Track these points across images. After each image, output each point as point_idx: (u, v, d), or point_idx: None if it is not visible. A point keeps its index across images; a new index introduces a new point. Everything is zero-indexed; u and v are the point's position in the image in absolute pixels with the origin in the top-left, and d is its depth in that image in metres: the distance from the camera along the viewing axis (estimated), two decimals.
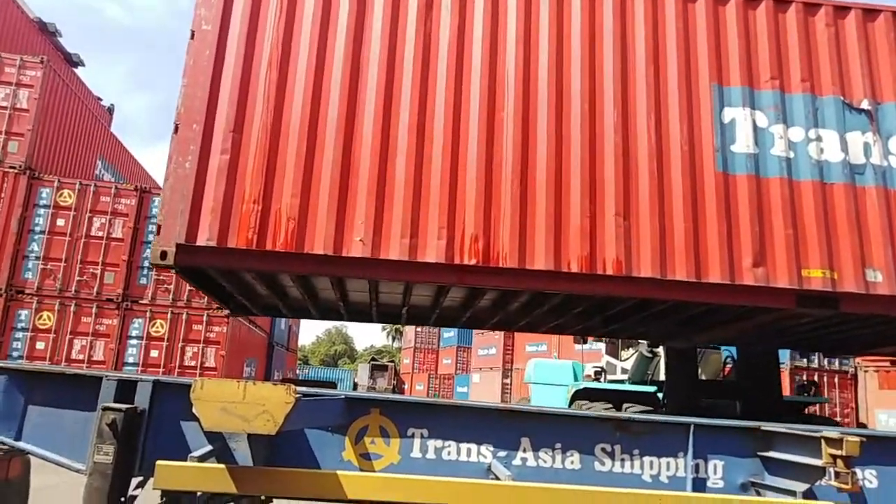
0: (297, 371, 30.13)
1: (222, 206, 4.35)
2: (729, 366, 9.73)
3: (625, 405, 9.01)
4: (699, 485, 3.48)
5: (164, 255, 4.21)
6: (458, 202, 4.62)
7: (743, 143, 5.00)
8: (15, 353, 13.97)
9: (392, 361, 39.11)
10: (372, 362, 36.41)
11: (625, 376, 11.14)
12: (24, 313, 14.31)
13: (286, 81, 4.58)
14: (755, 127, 5.02)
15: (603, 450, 3.49)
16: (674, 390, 8.48)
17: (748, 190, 4.86)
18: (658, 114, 4.98)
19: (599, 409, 8.35)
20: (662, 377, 9.43)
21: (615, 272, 4.66)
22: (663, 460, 3.49)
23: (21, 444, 3.38)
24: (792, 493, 3.30)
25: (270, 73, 4.56)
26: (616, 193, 4.79)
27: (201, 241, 4.28)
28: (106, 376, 3.35)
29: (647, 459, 3.48)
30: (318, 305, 6.04)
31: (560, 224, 4.70)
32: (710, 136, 4.98)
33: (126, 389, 3.32)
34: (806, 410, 9.67)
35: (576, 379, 12.58)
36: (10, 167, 14.43)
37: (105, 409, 3.13)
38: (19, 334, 14.21)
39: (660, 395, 9.37)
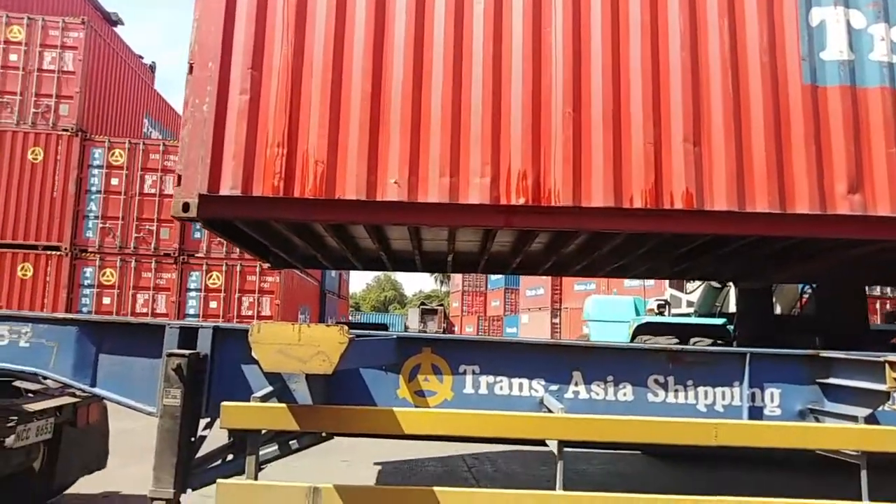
0: (350, 317, 30.52)
1: (245, 152, 3.92)
2: (806, 297, 8.90)
3: (692, 339, 8.35)
4: (756, 413, 3.40)
5: (185, 206, 3.85)
6: (503, 134, 4.07)
7: (835, 49, 4.22)
8: (84, 309, 14.46)
9: (441, 305, 39.26)
10: (421, 306, 36.68)
11: (691, 309, 10.43)
12: (88, 271, 14.69)
13: (306, 6, 4.04)
14: (850, 29, 4.23)
15: (656, 381, 3.43)
16: (746, 324, 7.83)
17: (842, 104, 4.13)
18: (732, 20, 4.25)
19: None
20: (732, 309, 8.76)
21: (685, 206, 4.05)
22: (718, 390, 3.44)
23: (96, 391, 3.52)
24: (853, 419, 3.19)
25: (289, 1, 4.03)
26: (684, 116, 4.14)
27: (224, 190, 3.88)
28: (169, 324, 3.49)
29: (701, 390, 3.43)
30: (359, 255, 5.64)
31: (620, 154, 4.10)
32: (795, 42, 4.24)
33: (188, 336, 3.44)
34: None
35: (637, 314, 11.95)
36: (63, 129, 14.55)
37: (170, 354, 3.26)
38: (87, 291, 14.67)
39: (730, 327, 8.66)
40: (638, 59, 4.16)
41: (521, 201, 4.01)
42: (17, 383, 4.32)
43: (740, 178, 4.05)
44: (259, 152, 3.94)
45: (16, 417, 3.78)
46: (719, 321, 9.07)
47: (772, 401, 3.47)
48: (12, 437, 3.72)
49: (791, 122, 4.14)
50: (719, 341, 8.12)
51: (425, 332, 32.50)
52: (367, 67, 4.04)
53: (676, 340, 8.35)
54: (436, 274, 62.37)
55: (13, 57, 14.77)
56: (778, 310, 8.86)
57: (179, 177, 3.88)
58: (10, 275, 14.07)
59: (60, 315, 3.65)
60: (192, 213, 3.83)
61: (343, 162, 3.98)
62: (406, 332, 32.14)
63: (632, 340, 9.25)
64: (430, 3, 4.12)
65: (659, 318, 10.30)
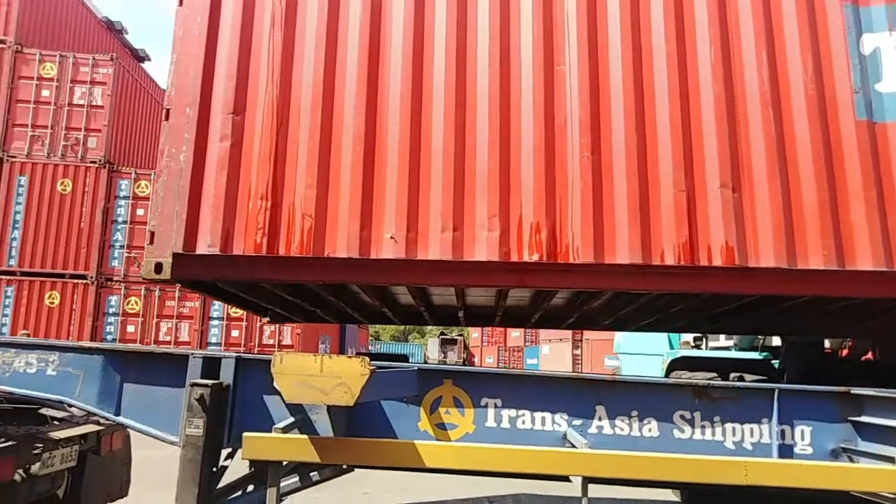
0: (369, 346, 29.94)
1: (224, 205, 3.44)
2: None
3: (732, 375, 7.55)
4: (786, 451, 3.27)
5: (158, 267, 3.38)
6: (513, 181, 3.53)
7: (893, 80, 3.58)
8: (109, 337, 14.34)
9: (461, 335, 38.38)
10: (441, 336, 35.85)
11: (730, 342, 9.56)
12: (113, 299, 14.56)
13: (293, 43, 3.58)
14: None
15: (682, 417, 3.31)
16: (792, 361, 7.04)
17: None
18: (771, 49, 3.67)
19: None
20: (776, 342, 7.95)
21: (725, 263, 3.45)
22: (746, 427, 3.30)
23: (121, 419, 3.51)
24: (890, 460, 3.04)
25: (274, 35, 3.57)
26: (720, 158, 3.56)
27: (202, 248, 3.41)
28: (192, 354, 3.45)
29: (728, 426, 3.30)
30: (362, 311, 5.11)
31: (647, 203, 3.53)
32: (846, 73, 3.64)
33: (211, 366, 3.41)
34: None
35: (671, 347, 11.07)
36: (91, 162, 14.52)
37: (193, 384, 3.26)
38: (111, 319, 14.57)
39: (774, 362, 7.86)
40: (665, 96, 3.60)
41: (535, 258, 3.45)
42: (43, 410, 4.39)
43: (789, 230, 3.44)
44: (241, 206, 3.46)
45: (41, 445, 3.78)
46: (762, 356, 8.25)
47: (802, 439, 3.30)
48: (38, 464, 3.72)
49: (845, 164, 3.53)
50: (763, 377, 7.31)
51: (445, 362, 31.74)
52: (359, 106, 3.56)
53: (714, 376, 7.58)
54: None
55: (45, 92, 14.84)
56: (827, 344, 8.03)
57: (152, 234, 3.41)
58: (39, 302, 14.00)
59: (87, 344, 3.63)
60: (166, 273, 3.36)
61: (334, 215, 3.47)
62: (426, 362, 31.60)
63: (666, 375, 8.48)
64: (428, 34, 3.63)
65: (696, 353, 9.44)
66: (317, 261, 3.46)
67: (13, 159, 14.23)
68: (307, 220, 3.46)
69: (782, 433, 3.28)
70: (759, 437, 3.29)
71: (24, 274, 13.88)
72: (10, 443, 3.60)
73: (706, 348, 9.88)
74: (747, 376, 6.92)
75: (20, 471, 3.64)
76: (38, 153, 14.47)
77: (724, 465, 2.95)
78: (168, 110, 3.49)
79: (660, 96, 3.59)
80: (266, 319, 5.70)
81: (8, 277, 13.85)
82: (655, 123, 3.58)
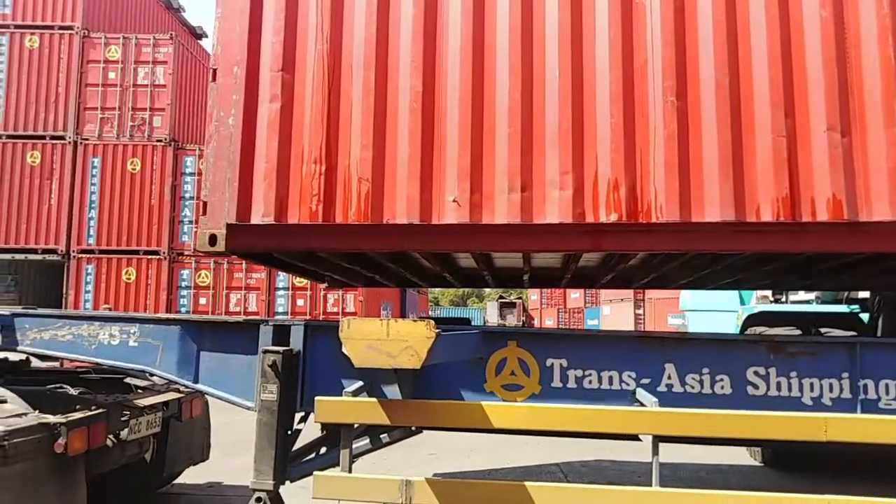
0: (429, 311, 29.85)
1: (277, 171, 3.16)
2: None
3: (816, 330, 6.84)
4: (869, 406, 3.06)
5: (212, 239, 3.14)
6: (587, 133, 3.10)
7: None
8: (182, 309, 14.71)
9: (520, 298, 37.67)
10: (500, 300, 35.27)
11: (811, 295, 8.64)
12: (185, 273, 14.86)
13: None
14: None
15: (756, 373, 3.13)
16: (890, 313, 6.30)
17: None
18: None
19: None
20: (863, 294, 7.19)
21: (832, 217, 2.96)
22: (825, 382, 3.11)
23: (199, 387, 3.56)
24: None
25: None
26: (826, 96, 3.03)
27: (256, 218, 3.14)
28: (264, 322, 3.49)
29: (806, 381, 3.12)
30: (422, 274, 4.80)
31: (741, 151, 3.05)
32: None
33: (282, 333, 3.42)
34: None
35: (742, 303, 10.08)
36: (158, 140, 14.69)
37: (265, 351, 3.27)
38: (184, 292, 14.88)
39: (863, 315, 7.09)
40: (762, 24, 3.09)
41: (613, 218, 3.04)
42: (128, 380, 4.57)
43: None
44: (294, 171, 3.18)
45: (128, 412, 3.92)
46: (849, 309, 7.46)
47: (887, 393, 3.10)
48: (126, 430, 3.88)
49: None
50: (852, 332, 6.55)
51: (504, 324, 31.31)
52: (416, 60, 3.17)
53: (797, 332, 6.91)
54: None
55: (111, 75, 15.04)
56: None
57: (205, 203, 3.16)
58: (117, 278, 14.40)
59: (164, 316, 3.77)
60: (220, 245, 3.13)
61: (392, 178, 3.14)
62: (488, 325, 31.25)
63: (742, 332, 7.78)
64: None
65: (774, 307, 8.54)
66: (375, 228, 3.15)
67: (86, 142, 14.54)
68: (364, 184, 3.14)
69: (865, 388, 3.10)
70: (839, 392, 3.11)
71: (101, 252, 14.26)
72: (100, 410, 3.72)
73: (786, 301, 8.95)
74: (834, 331, 6.25)
75: (111, 436, 3.79)
76: (108, 134, 14.74)
77: (803, 421, 2.78)
78: (215, 70, 3.22)
79: (756, 25, 3.07)
80: (325, 286, 5.48)
81: (88, 256, 14.25)
82: (750, 58, 3.07)
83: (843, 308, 7.53)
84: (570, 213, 3.06)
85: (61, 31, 14.61)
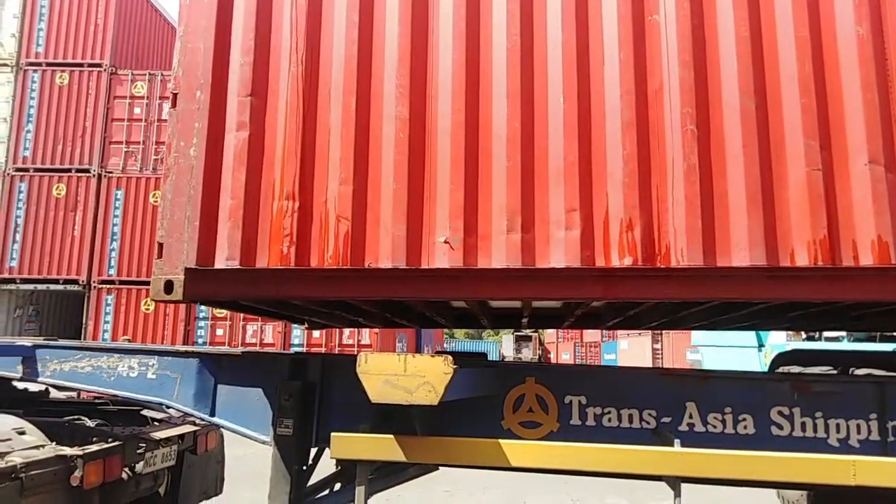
0: (444, 345, 28.59)
1: (244, 208, 2.51)
2: None
3: (853, 370, 6.01)
4: None
5: (168, 286, 2.48)
6: (595, 166, 2.46)
7: None
8: (199, 340, 14.10)
9: (536, 331, 36.20)
10: (516, 333, 33.83)
11: (843, 332, 7.65)
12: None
13: (321, 5, 2.58)
14: None
15: (780, 413, 2.82)
16: None
17: None
18: None
19: None
20: None
21: (878, 262, 2.30)
22: (853, 423, 2.76)
23: (215, 420, 3.32)
24: None
25: None
26: (867, 125, 2.40)
27: (219, 262, 2.49)
28: (281, 355, 3.36)
29: (832, 422, 2.78)
30: (410, 316, 4.11)
31: (771, 187, 2.42)
32: None
33: (298, 366, 3.20)
34: None
35: (760, 339, 9.24)
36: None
37: (282, 384, 3.08)
38: (201, 323, 14.28)
39: None
40: (790, 45, 2.47)
41: (627, 262, 2.38)
42: (144, 412, 4.33)
43: None
44: (263, 208, 2.54)
45: (144, 445, 3.70)
46: (889, 347, 6.69)
47: None
48: (142, 463, 3.65)
49: None
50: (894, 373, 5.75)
51: (520, 358, 29.91)
52: (402, 84, 2.55)
53: (833, 372, 6.09)
54: None
55: (137, 110, 14.57)
56: None
57: (160, 245, 2.49)
58: (136, 309, 13.82)
59: (183, 348, 3.46)
60: (177, 294, 2.44)
61: (374, 217, 2.50)
62: (503, 360, 30.10)
63: (771, 370, 6.91)
64: None
65: (808, 345, 7.62)
66: (356, 273, 2.50)
67: (110, 175, 14.01)
68: (342, 223, 2.48)
69: (893, 430, 2.75)
70: (867, 433, 2.77)
71: (122, 283, 13.69)
72: (117, 443, 3.51)
73: (820, 338, 7.95)
74: (875, 371, 5.46)
75: (126, 469, 3.56)
76: (132, 168, 14.27)
77: (830, 464, 2.47)
78: (175, 95, 2.57)
79: (784, 45, 2.45)
80: (304, 328, 4.77)
81: (108, 286, 13.66)
82: (779, 82, 2.45)
83: (883, 347, 6.73)
84: (578, 257, 2.40)
85: (90, 69, 14.22)
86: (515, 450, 2.60)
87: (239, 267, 2.49)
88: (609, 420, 2.91)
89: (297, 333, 13.95)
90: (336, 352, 13.52)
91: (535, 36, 2.53)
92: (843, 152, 2.42)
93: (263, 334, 13.96)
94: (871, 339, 7.03)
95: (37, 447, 3.24)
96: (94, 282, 13.50)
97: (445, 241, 2.45)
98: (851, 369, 5.81)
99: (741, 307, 3.18)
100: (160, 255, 2.51)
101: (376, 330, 13.78)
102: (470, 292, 2.52)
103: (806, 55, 2.46)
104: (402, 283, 2.53)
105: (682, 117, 2.45)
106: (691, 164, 2.42)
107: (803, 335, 8.11)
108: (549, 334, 37.42)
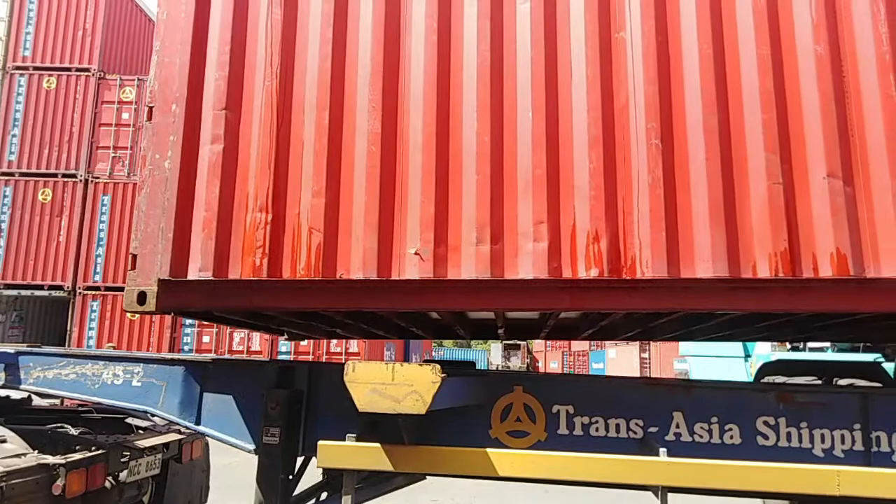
0: (433, 353, 28.26)
1: (218, 220, 2.55)
2: None
3: (838, 380, 6.06)
4: (882, 460, 2.74)
5: (141, 297, 2.49)
6: (563, 179, 2.52)
7: None
8: (186, 347, 13.89)
9: (523, 340, 35.92)
10: (504, 342, 33.72)
11: (828, 343, 7.87)
12: None
13: (296, 24, 2.61)
14: None
15: (766, 423, 2.85)
16: None
17: None
18: (892, 1, 2.49)
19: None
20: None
21: (837, 273, 2.36)
22: (837, 433, 2.81)
23: (200, 429, 3.28)
24: None
25: (273, 12, 2.60)
26: (825, 140, 2.49)
27: (192, 273, 2.52)
28: (267, 363, 3.33)
29: (817, 432, 2.83)
30: (387, 327, 4.14)
31: (733, 200, 2.49)
32: None
33: (285, 374, 3.19)
34: None
35: (746, 349, 9.40)
36: None
37: (268, 393, 3.05)
38: (188, 330, 14.12)
39: (888, 365, 6.42)
40: (752, 63, 2.55)
41: (594, 273, 2.43)
42: (129, 420, 4.28)
43: None
44: (237, 221, 2.58)
45: (128, 453, 3.66)
46: (871, 357, 6.76)
47: None
48: (125, 472, 3.61)
49: None
50: (877, 384, 5.78)
51: (508, 367, 29.80)
52: (375, 98, 2.60)
53: (817, 382, 6.14)
54: None
55: (125, 115, 14.45)
56: None
57: (133, 257, 2.52)
58: (121, 315, 13.66)
59: (169, 356, 3.42)
60: (150, 305, 2.47)
61: (346, 228, 2.54)
62: (490, 368, 29.94)
63: (756, 380, 6.98)
64: (457, 10, 2.58)
65: (792, 355, 7.70)
66: (327, 284, 2.53)
67: (97, 180, 13.89)
68: (315, 235, 2.52)
69: (878, 440, 2.78)
70: (850, 444, 2.81)
71: (107, 289, 13.52)
72: (100, 451, 3.46)
73: (804, 348, 8.06)
74: (858, 383, 5.52)
75: (110, 478, 3.52)
76: (119, 173, 14.14)
77: (815, 474, 2.50)
78: (150, 108, 2.61)
79: (746, 63, 2.53)
80: (283, 338, 4.80)
81: (93, 292, 13.52)
82: (741, 98, 2.52)
83: (866, 357, 6.81)
84: (546, 268, 2.45)
85: (78, 73, 14.12)
86: (503, 459, 2.61)
87: (212, 278, 2.52)
88: (596, 429, 2.93)
89: (285, 342, 13.85)
90: (324, 360, 13.43)
91: (505, 52, 2.59)
92: (802, 166, 2.49)
93: (251, 342, 13.82)
94: (855, 350, 7.13)
95: (18, 455, 3.20)
96: (79, 288, 13.35)
97: (416, 253, 2.49)
98: (835, 379, 5.89)
99: (708, 318, 3.25)
100: (133, 267, 2.54)
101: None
102: (440, 303, 2.57)
103: (767, 72, 2.53)
104: (374, 294, 2.57)
105: (648, 132, 2.51)
106: (656, 178, 2.49)
107: (788, 345, 8.20)
108: (538, 343, 37.17)
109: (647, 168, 2.49)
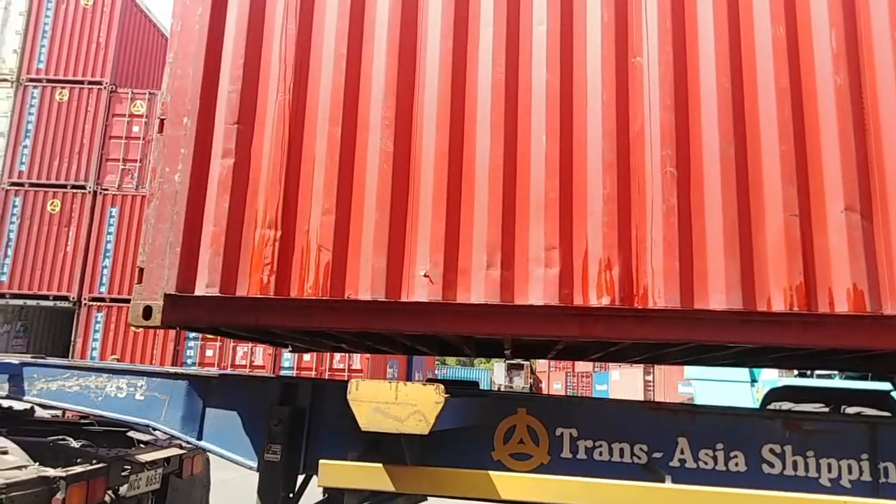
0: (436, 371, 27.92)
1: (226, 235, 2.52)
2: None
3: (846, 408, 5.90)
4: (890, 491, 2.65)
5: (147, 312, 2.45)
6: (576, 205, 2.48)
7: None
8: (189, 360, 13.85)
9: (527, 360, 35.69)
10: (507, 361, 33.43)
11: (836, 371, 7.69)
12: None
13: (311, 35, 2.62)
14: None
15: (771, 451, 2.78)
16: None
17: None
18: None
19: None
20: None
21: (853, 310, 2.31)
22: (844, 463, 2.73)
23: (202, 444, 3.24)
24: None
25: (287, 27, 2.61)
26: (843, 172, 2.44)
27: (199, 288, 2.48)
28: (270, 379, 3.32)
29: (824, 461, 2.74)
30: (393, 345, 4.09)
31: (749, 231, 2.44)
32: None
33: (288, 391, 3.16)
34: None
35: (753, 375, 9.13)
36: None
37: (271, 409, 3.03)
38: (191, 343, 14.09)
39: None
40: (771, 92, 2.52)
41: (605, 301, 2.38)
42: (130, 433, 4.25)
43: None
44: (246, 237, 2.55)
45: (129, 467, 3.65)
46: (880, 385, 6.60)
47: None
48: (126, 486, 3.59)
49: None
50: (884, 413, 5.62)
51: (511, 387, 29.47)
52: (388, 116, 2.59)
53: (825, 409, 6.00)
54: None
55: (135, 128, 14.59)
56: None
57: (140, 271, 2.49)
58: (125, 327, 13.66)
59: (172, 370, 3.39)
60: (156, 319, 2.44)
61: (356, 247, 2.51)
62: (493, 388, 29.60)
63: (763, 406, 6.81)
64: (473, 25, 2.62)
65: (800, 381, 7.49)
66: (335, 304, 2.48)
67: (106, 192, 13.97)
68: (324, 253, 2.48)
69: (885, 471, 2.72)
70: (858, 474, 2.74)
71: (112, 300, 13.53)
72: (101, 465, 3.46)
73: (811, 375, 7.82)
74: (867, 411, 5.37)
75: (110, 492, 3.51)
76: (128, 185, 14.23)
77: None
78: (162, 121, 2.60)
79: (764, 93, 2.50)
80: (288, 351, 4.75)
81: (98, 304, 13.51)
82: (759, 128, 2.49)
83: (876, 385, 6.64)
84: (557, 295, 2.40)
85: (90, 86, 14.31)
86: (505, 482, 2.56)
87: (219, 294, 2.48)
88: (600, 454, 2.88)
89: (288, 356, 13.78)
90: (326, 376, 13.37)
91: (520, 74, 2.58)
92: (820, 199, 2.45)
93: (254, 356, 13.79)
94: (863, 378, 7.00)
95: (19, 468, 3.19)
96: (84, 299, 13.35)
97: (425, 275, 2.45)
98: (843, 407, 5.76)
99: (720, 348, 3.18)
100: (140, 281, 2.50)
101: (367, 355, 13.64)
102: (447, 327, 2.51)
103: (785, 103, 2.50)
104: (382, 316, 2.52)
105: (663, 159, 2.48)
106: (670, 206, 2.45)
107: (795, 372, 8.05)
108: (541, 363, 36.91)
109: (662, 196, 2.45)
